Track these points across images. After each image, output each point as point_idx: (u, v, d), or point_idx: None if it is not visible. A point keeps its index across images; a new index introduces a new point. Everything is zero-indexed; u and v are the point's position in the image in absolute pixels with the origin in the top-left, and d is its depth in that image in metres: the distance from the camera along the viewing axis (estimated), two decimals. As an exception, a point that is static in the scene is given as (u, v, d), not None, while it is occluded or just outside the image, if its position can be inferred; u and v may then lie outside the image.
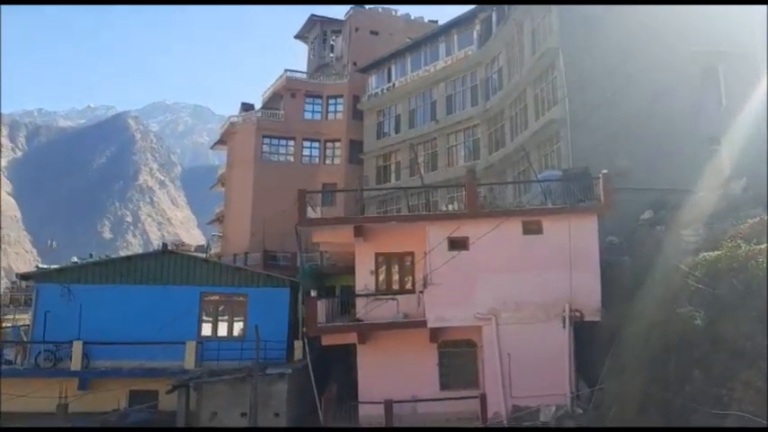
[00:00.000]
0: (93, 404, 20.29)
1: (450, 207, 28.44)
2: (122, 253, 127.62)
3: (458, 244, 19.46)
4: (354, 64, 43.10)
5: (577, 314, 18.84)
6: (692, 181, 21.51)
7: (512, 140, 30.37)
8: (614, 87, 23.88)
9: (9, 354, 22.99)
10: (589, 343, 18.83)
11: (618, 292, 18.57)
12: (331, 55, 48.05)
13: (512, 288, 19.17)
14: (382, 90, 39.99)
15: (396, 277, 21.45)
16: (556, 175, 21.96)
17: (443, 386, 19.85)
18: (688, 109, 24.13)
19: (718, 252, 15.49)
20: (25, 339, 24.31)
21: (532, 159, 26.26)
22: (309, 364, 19.87)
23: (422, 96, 37.84)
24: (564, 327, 18.79)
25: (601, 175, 19.71)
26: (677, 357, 14.86)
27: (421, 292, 19.74)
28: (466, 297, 19.22)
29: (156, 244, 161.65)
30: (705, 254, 16.11)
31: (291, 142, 41.28)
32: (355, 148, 41.04)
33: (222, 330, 24.36)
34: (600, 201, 19.61)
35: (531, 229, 19.63)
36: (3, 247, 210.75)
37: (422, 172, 31.54)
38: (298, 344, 22.64)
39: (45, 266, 46.92)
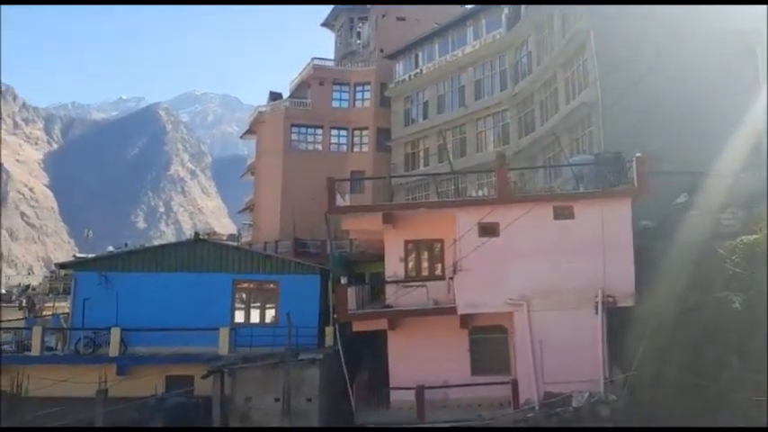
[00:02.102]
0: (131, 389, 20.78)
1: (480, 193, 28.30)
2: (156, 242, 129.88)
3: (488, 230, 19.34)
4: (381, 50, 42.91)
5: (610, 300, 18.61)
6: (728, 163, 20.98)
7: (542, 125, 30.00)
8: (647, 69, 23.35)
9: (50, 341, 23.61)
10: (623, 328, 18.60)
11: (652, 278, 18.28)
12: (358, 42, 47.90)
13: (543, 274, 19.00)
14: (409, 76, 39.79)
15: (425, 264, 21.46)
16: (588, 160, 21.62)
17: (474, 372, 19.83)
18: (724, 90, 23.46)
19: (757, 235, 15.15)
20: (65, 326, 24.98)
21: (563, 144, 25.92)
22: (341, 350, 20.03)
23: (450, 82, 37.55)
24: (596, 313, 18.59)
25: (634, 159, 19.36)
26: (714, 343, 14.64)
27: (451, 278, 19.71)
28: (496, 283, 19.13)
29: (188, 233, 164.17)
30: (743, 237, 15.76)
31: (319, 130, 41.41)
32: (383, 135, 40.98)
33: (254, 317, 24.70)
34: (633, 185, 19.27)
35: (563, 214, 19.40)
36: (41, 237, 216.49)
37: (450, 158, 31.35)
38: (329, 330, 22.85)
39: (82, 255, 48.04)
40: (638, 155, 19.43)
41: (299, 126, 41.45)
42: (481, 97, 35.35)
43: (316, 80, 42.10)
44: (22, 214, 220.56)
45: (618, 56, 23.93)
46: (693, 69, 23.32)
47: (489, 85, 35.04)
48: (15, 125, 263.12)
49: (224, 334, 22.65)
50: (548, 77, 29.43)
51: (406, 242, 21.06)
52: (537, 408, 18.24)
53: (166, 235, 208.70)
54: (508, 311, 19.20)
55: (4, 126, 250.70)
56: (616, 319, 18.73)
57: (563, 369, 18.34)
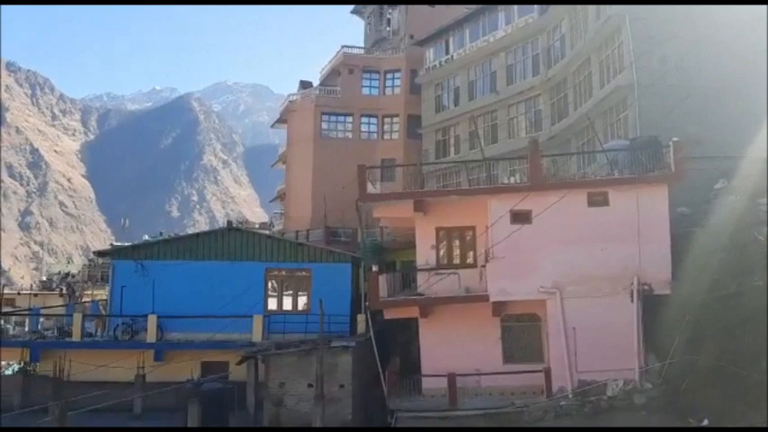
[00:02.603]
0: (168, 374, 21.26)
1: (512, 180, 28.00)
2: (189, 231, 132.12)
3: (520, 217, 19.16)
4: (411, 37, 42.60)
5: (646, 287, 18.31)
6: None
7: (575, 110, 29.53)
8: (683, 51, 22.79)
9: (90, 327, 24.27)
10: (658, 316, 18.30)
11: (690, 265, 17.93)
12: (388, 29, 47.64)
13: (577, 261, 18.77)
14: (440, 63, 39.46)
15: (457, 251, 21.39)
16: (623, 145, 21.20)
17: (506, 360, 19.76)
18: (762, 72, 22.72)
19: (799, 222, 14.71)
20: (104, 313, 25.64)
21: (597, 129, 25.48)
22: (372, 338, 20.14)
23: (481, 67, 37.15)
24: (632, 300, 18.31)
25: (671, 143, 18.92)
26: (752, 331, 14.31)
27: (483, 266, 19.61)
28: (529, 271, 18.96)
29: (220, 222, 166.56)
30: (785, 223, 15.32)
31: (350, 118, 41.43)
32: (414, 122, 40.80)
33: (287, 304, 25.02)
34: (670, 170, 18.85)
35: (597, 200, 19.10)
36: (79, 226, 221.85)
37: (482, 145, 31.09)
38: (360, 318, 23.00)
39: (119, 244, 49.09)
40: (675, 139, 18.99)
41: (330, 114, 41.53)
42: (513, 83, 34.91)
43: (346, 68, 42.06)
44: (61, 204, 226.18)
45: (654, 38, 23.37)
46: (731, 51, 22.65)
47: (521, 70, 34.57)
48: (53, 117, 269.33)
49: (257, 321, 22.97)
50: (582, 61, 28.90)
51: (438, 230, 21.01)
52: (570, 396, 18.10)
53: (200, 224, 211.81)
54: (541, 299, 19.04)
55: (42, 118, 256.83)
56: (652, 307, 18.44)
57: (597, 357, 18.16)
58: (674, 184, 18.83)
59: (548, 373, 18.59)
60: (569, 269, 18.81)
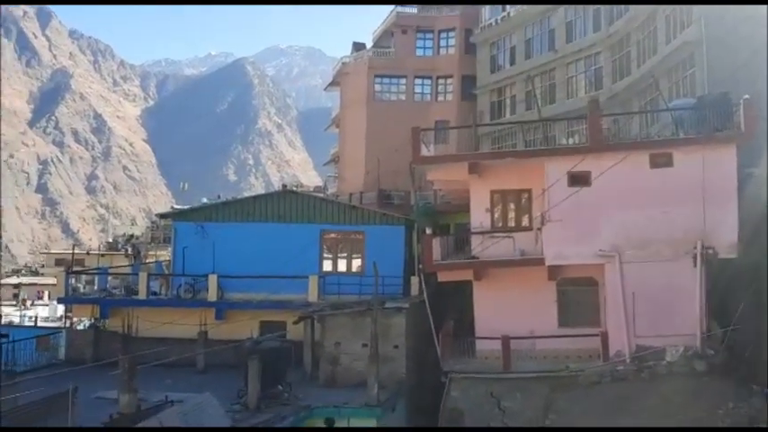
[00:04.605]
0: (228, 332, 22.02)
1: (570, 141, 27.28)
2: (246, 194, 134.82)
3: (579, 179, 18.73)
4: (466, -6, 41.45)
5: (710, 251, 17.70)
6: None
7: (638, 67, 28.30)
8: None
9: (154, 286, 25.27)
10: (723, 281, 17.72)
11: (757, 228, 17.20)
12: (442, -13, 46.46)
13: (637, 224, 18.31)
14: (496, 21, 38.32)
15: (512, 214, 21.20)
16: (689, 103, 20.26)
17: (562, 324, 19.61)
18: None
19: None
20: (167, 273, 26.63)
21: (662, 87, 24.40)
22: (426, 300, 20.26)
23: (539, 25, 35.91)
24: (695, 264, 17.75)
25: (742, 102, 17.98)
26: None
27: (539, 229, 19.35)
28: (587, 234, 18.61)
29: (276, 185, 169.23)
30: None
31: (403, 80, 40.89)
32: (468, 83, 39.96)
33: (342, 266, 25.38)
34: (740, 129, 17.95)
35: (660, 161, 18.46)
36: (142, 190, 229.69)
37: (539, 105, 30.28)
38: (414, 280, 23.11)
39: (179, 207, 50.65)
40: (746, 97, 18.02)
41: (383, 76, 41.07)
42: (572, 40, 33.64)
43: (399, 28, 41.36)
44: (124, 168, 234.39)
45: (725, -12, 22.02)
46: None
47: (582, 26, 33.23)
48: (114, 83, 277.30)
49: (313, 282, 23.40)
50: (646, 16, 27.56)
51: (492, 192, 20.80)
52: (628, 360, 17.85)
53: (255, 187, 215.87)
54: (599, 263, 18.70)
55: (104, 84, 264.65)
56: (716, 271, 17.85)
57: (656, 322, 17.82)
58: (744, 144, 17.96)
59: (604, 337, 18.36)
60: (629, 233, 18.38)
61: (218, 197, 65.87)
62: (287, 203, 25.64)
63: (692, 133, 19.00)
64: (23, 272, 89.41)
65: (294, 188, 45.37)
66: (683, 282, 17.83)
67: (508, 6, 37.73)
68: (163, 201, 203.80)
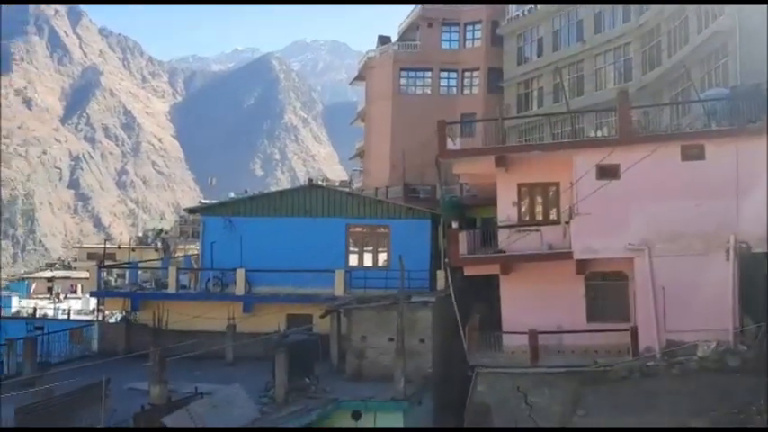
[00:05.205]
0: (256, 325, 22.24)
1: (599, 134, 26.93)
2: (272, 188, 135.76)
3: (608, 172, 18.47)
4: (494, -13, 41.02)
5: (743, 245, 17.34)
6: None
7: (669, 58, 27.75)
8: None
9: (183, 279, 25.64)
10: (756, 276, 17.34)
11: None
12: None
13: (667, 218, 18.00)
14: (523, 12, 37.87)
15: (539, 208, 21.04)
16: (722, 94, 19.82)
17: (590, 318, 19.41)
18: None
19: None
20: (196, 267, 27.00)
21: (693, 77, 23.92)
22: (453, 294, 20.21)
23: (566, 16, 35.40)
24: (727, 258, 17.41)
25: (777, 92, 17.53)
26: None
27: (567, 222, 19.15)
28: (616, 228, 18.35)
29: (302, 180, 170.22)
30: None
31: (429, 73, 40.69)
32: (494, 76, 39.62)
33: (368, 260, 25.44)
34: (774, 121, 17.51)
35: (692, 154, 18.11)
36: (170, 185, 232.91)
37: (567, 97, 29.90)
38: (440, 274, 23.08)
39: (207, 202, 51.28)
40: (782, 86, 17.56)
41: (408, 70, 40.91)
42: (601, 31, 33.11)
43: (424, 21, 41.14)
44: (153, 163, 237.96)
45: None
46: None
47: (611, 17, 32.68)
48: (143, 80, 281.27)
49: (339, 276, 23.51)
50: (677, 6, 26.99)
51: (520, 186, 20.64)
52: (658, 356, 17.60)
53: (282, 182, 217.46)
54: (628, 257, 18.44)
55: (133, 81, 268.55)
56: (748, 265, 17.48)
57: (687, 317, 17.53)
58: (780, 136, 17.49)
59: (634, 332, 18.13)
60: (659, 226, 18.09)
61: (246, 192, 66.50)
62: (313, 198, 25.77)
63: (724, 125, 18.60)
64: (57, 266, 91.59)
65: (320, 182, 45.58)
66: (715, 276, 17.50)
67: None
68: (191, 196, 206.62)
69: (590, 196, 18.25)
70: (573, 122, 24.45)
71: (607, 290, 19.57)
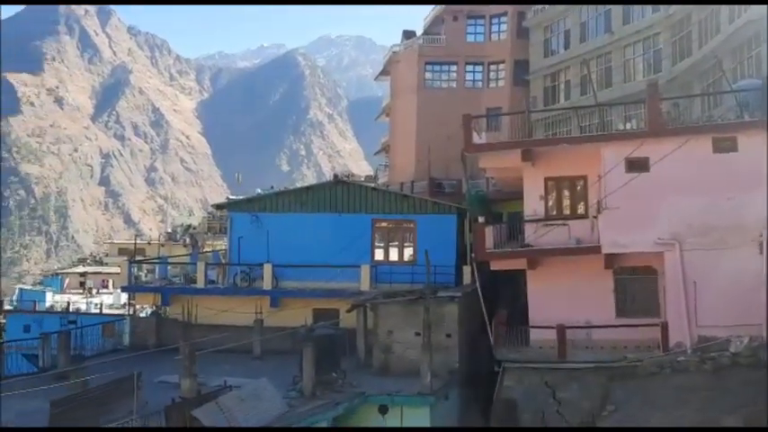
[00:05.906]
0: (283, 320, 22.40)
1: (628, 126, 26.51)
2: (298, 184, 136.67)
3: (637, 165, 18.21)
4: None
5: (778, 239, 16.96)
6: None
7: (699, 48, 27.17)
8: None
9: (212, 274, 25.97)
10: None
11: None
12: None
13: (698, 211, 17.70)
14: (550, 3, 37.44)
15: (567, 202, 20.81)
16: (755, 84, 19.36)
17: (619, 313, 19.20)
18: None
19: None
20: (224, 262, 27.31)
21: (725, 68, 23.40)
22: (479, 289, 20.12)
23: (594, 7, 34.89)
24: (761, 252, 17.05)
25: (812, 81, 17.08)
26: None
27: (595, 216, 18.94)
28: (645, 221, 18.09)
29: (327, 175, 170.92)
30: None
31: (454, 67, 40.46)
32: (520, 68, 39.24)
33: (393, 255, 25.44)
34: (810, 111, 17.07)
35: (724, 146, 17.76)
36: (198, 181, 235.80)
37: (595, 89, 29.49)
38: (466, 269, 22.98)
39: (234, 197, 51.78)
40: (818, 76, 17.10)
41: (433, 64, 40.72)
42: (630, 21, 32.55)
43: (450, 14, 40.87)
44: (181, 160, 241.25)
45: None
46: None
47: (640, 7, 32.12)
48: (171, 77, 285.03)
49: (365, 271, 23.57)
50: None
51: (546, 179, 20.45)
52: (689, 351, 17.32)
53: (307, 177, 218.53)
54: (658, 251, 18.17)
55: (161, 78, 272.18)
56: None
57: (719, 312, 17.24)
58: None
59: (664, 327, 17.88)
60: (690, 220, 17.80)
61: (272, 188, 66.95)
62: (339, 193, 25.85)
63: (757, 116, 18.18)
64: (89, 261, 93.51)
65: (345, 178, 45.71)
66: (749, 270, 17.18)
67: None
68: (218, 192, 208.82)
69: (619, 190, 18.01)
70: (601, 115, 24.10)
71: (636, 285, 19.31)
